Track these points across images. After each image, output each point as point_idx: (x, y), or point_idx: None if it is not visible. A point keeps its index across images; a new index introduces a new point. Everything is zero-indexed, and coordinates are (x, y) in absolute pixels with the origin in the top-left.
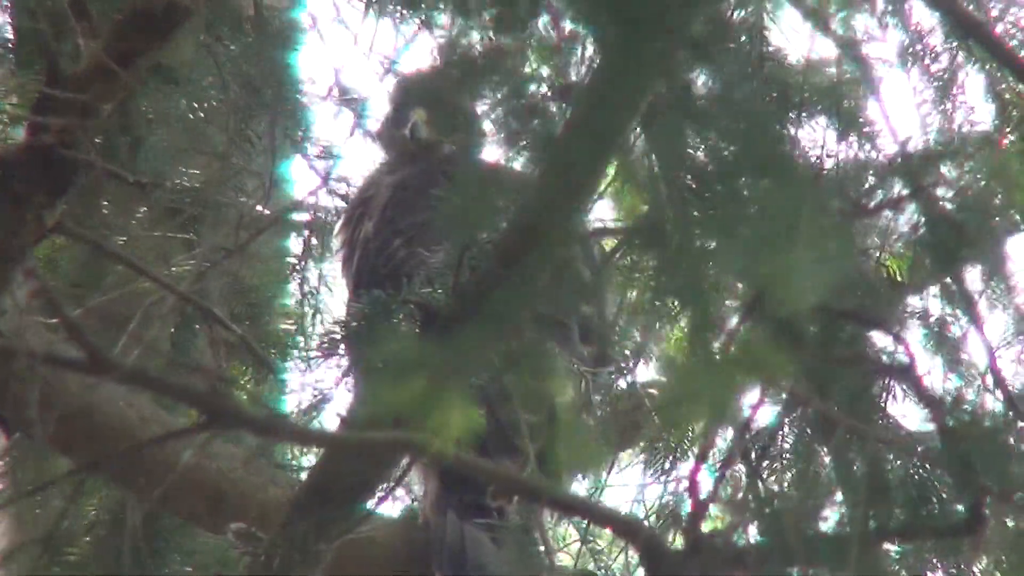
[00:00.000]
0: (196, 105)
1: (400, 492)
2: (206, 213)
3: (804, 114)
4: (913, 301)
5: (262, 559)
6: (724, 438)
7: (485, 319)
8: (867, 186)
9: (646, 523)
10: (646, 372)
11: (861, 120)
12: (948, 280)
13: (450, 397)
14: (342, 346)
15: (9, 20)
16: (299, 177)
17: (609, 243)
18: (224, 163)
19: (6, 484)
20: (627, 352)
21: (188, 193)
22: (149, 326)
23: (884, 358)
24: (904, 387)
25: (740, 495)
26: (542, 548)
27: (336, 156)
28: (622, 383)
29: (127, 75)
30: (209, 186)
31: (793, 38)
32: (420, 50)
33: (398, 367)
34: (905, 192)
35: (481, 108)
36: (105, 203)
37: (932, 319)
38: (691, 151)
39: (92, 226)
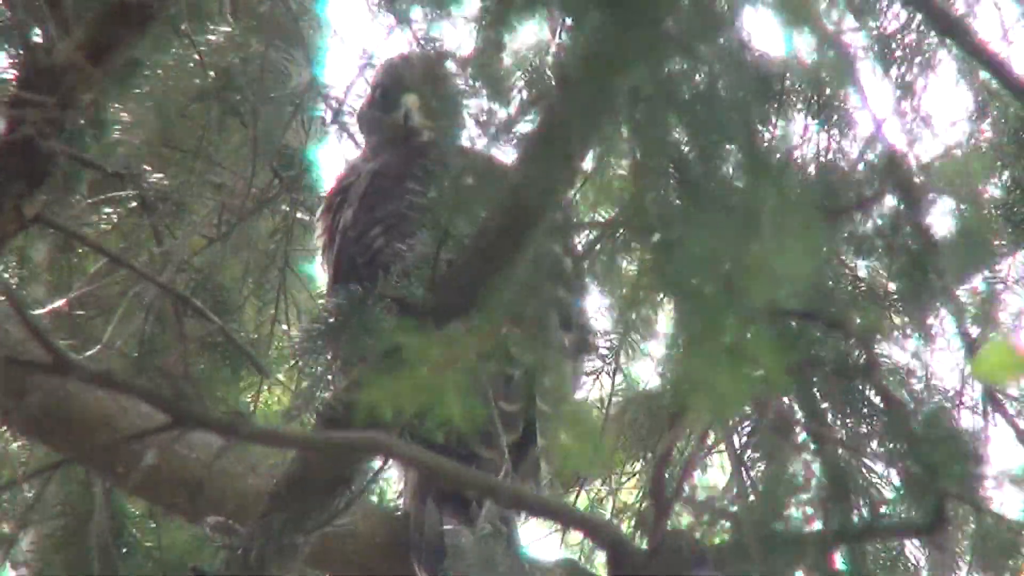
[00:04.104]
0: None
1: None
2: (182, 206)
3: (784, 102)
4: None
5: (239, 552)
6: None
7: (476, 312)
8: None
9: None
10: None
11: (841, 109)
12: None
13: (452, 389)
14: (320, 341)
15: None
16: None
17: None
18: (198, 157)
19: None
20: (610, 343)
21: (164, 186)
22: (125, 320)
23: (847, 360)
24: (866, 389)
25: (701, 496)
26: (520, 538)
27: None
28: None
29: (101, 69)
30: (186, 181)
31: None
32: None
33: (398, 359)
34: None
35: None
36: (79, 196)
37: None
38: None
39: (69, 217)
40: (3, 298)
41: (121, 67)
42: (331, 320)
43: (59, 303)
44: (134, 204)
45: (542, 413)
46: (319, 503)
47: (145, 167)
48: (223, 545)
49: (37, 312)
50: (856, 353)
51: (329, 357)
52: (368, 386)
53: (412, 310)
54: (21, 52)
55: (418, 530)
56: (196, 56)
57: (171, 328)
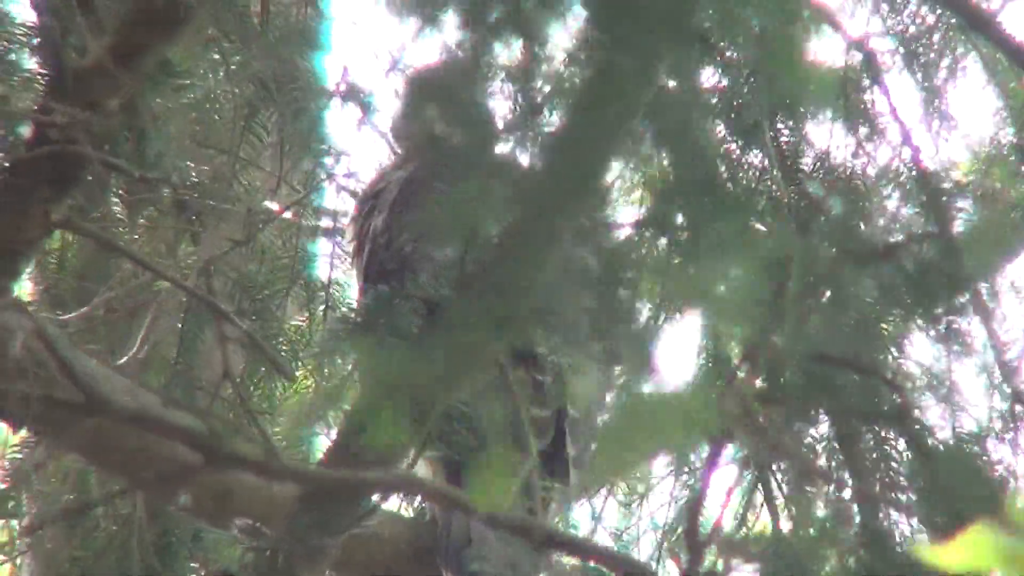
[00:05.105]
0: (202, 100)
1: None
2: (212, 208)
3: (812, 109)
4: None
5: (267, 555)
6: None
7: (488, 317)
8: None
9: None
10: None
11: (869, 115)
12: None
13: (386, 415)
14: (345, 341)
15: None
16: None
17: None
18: (230, 158)
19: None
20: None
21: (194, 188)
22: (157, 323)
23: (878, 405)
24: (897, 435)
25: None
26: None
27: (342, 153)
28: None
29: (130, 72)
30: (215, 181)
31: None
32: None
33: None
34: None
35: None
36: (115, 197)
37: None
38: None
39: (98, 220)
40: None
41: (154, 67)
42: (358, 320)
43: (84, 309)
44: (159, 206)
45: (573, 419)
46: (346, 506)
47: (183, 164)
48: (251, 547)
49: (66, 317)
50: (889, 399)
51: (354, 358)
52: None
53: (440, 310)
54: (50, 56)
55: (445, 534)
56: (223, 61)
57: (208, 330)
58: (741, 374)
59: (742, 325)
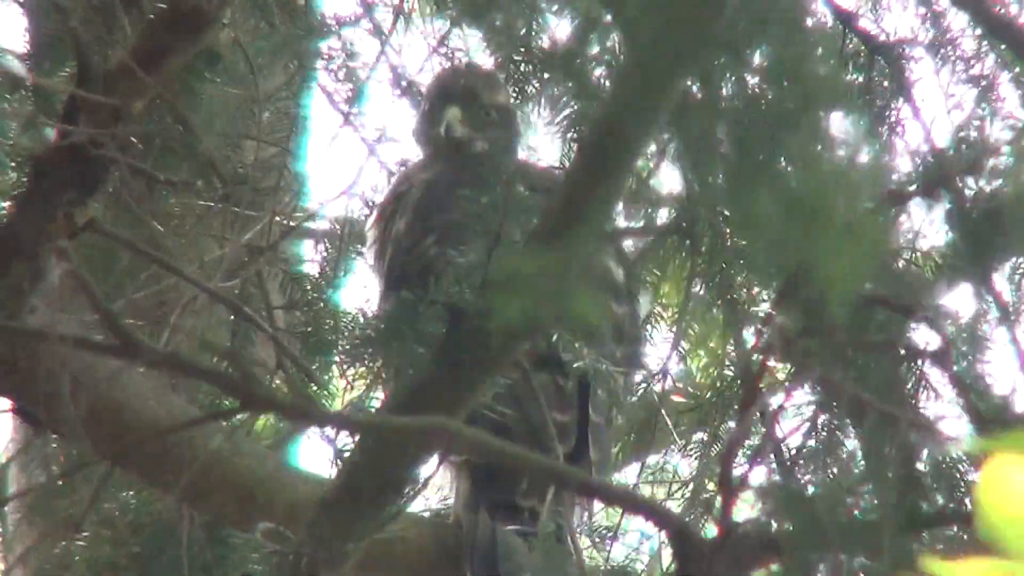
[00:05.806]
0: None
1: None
2: (240, 209)
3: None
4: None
5: (290, 559)
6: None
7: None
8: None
9: (677, 511)
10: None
11: (892, 117)
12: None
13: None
14: (371, 346)
15: (27, 24)
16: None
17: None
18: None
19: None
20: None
21: (238, 180)
22: (189, 319)
23: (917, 344)
24: (937, 372)
25: (771, 482)
26: (572, 548)
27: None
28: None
29: (154, 76)
30: (265, 170)
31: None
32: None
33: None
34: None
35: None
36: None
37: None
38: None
39: (138, 219)
40: None
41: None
42: (381, 327)
43: (127, 298)
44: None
45: (594, 424)
46: (369, 510)
47: (226, 155)
48: (274, 551)
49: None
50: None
51: (380, 364)
52: (499, 305)
53: (463, 316)
54: (75, 59)
55: (470, 540)
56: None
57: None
58: (778, 311)
59: (778, 260)
